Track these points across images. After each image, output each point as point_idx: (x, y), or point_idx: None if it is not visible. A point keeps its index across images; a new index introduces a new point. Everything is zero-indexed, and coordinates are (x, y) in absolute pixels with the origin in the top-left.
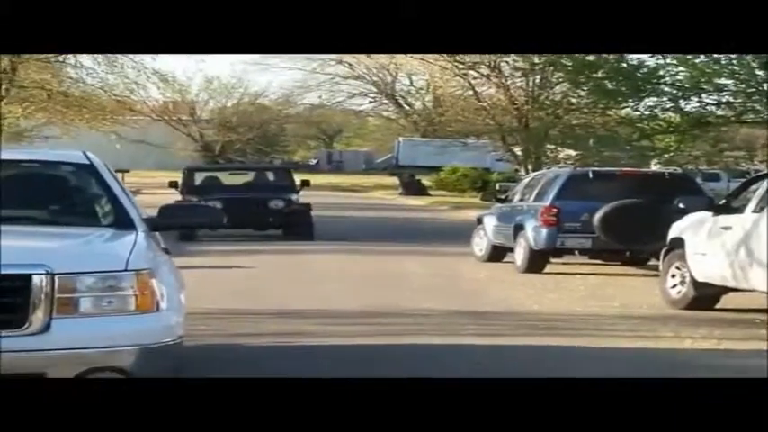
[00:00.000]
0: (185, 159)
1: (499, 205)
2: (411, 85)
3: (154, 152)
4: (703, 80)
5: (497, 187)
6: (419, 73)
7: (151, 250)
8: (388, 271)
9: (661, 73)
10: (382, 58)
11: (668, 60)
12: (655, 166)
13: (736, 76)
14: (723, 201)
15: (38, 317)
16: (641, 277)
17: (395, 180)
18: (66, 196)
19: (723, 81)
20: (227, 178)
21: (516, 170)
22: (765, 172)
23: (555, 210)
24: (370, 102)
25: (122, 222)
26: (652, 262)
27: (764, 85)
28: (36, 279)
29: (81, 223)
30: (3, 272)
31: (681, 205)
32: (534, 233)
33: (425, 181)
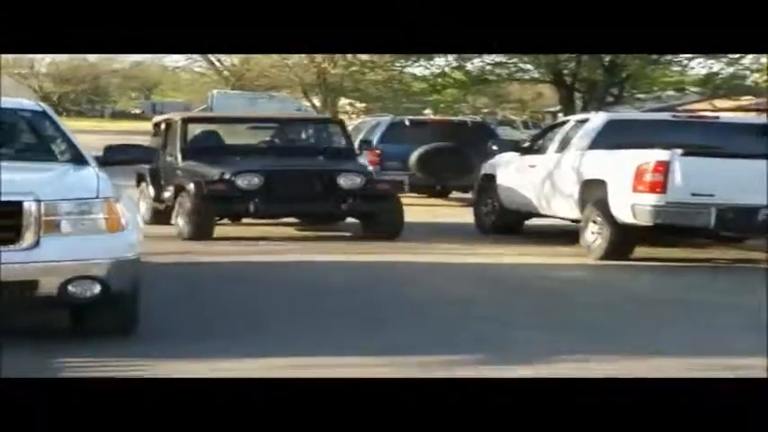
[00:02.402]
0: None
1: None
2: None
3: None
4: None
5: None
6: None
7: (112, 181)
8: None
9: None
10: None
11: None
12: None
13: None
14: (528, 143)
15: (29, 235)
16: (448, 207)
17: None
18: (28, 138)
19: None
20: (232, 135)
21: None
22: (563, 120)
23: (378, 151)
24: (187, 59)
25: (77, 159)
26: (453, 194)
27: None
28: (27, 205)
29: (45, 159)
30: (1, 199)
31: (494, 147)
32: None
33: None
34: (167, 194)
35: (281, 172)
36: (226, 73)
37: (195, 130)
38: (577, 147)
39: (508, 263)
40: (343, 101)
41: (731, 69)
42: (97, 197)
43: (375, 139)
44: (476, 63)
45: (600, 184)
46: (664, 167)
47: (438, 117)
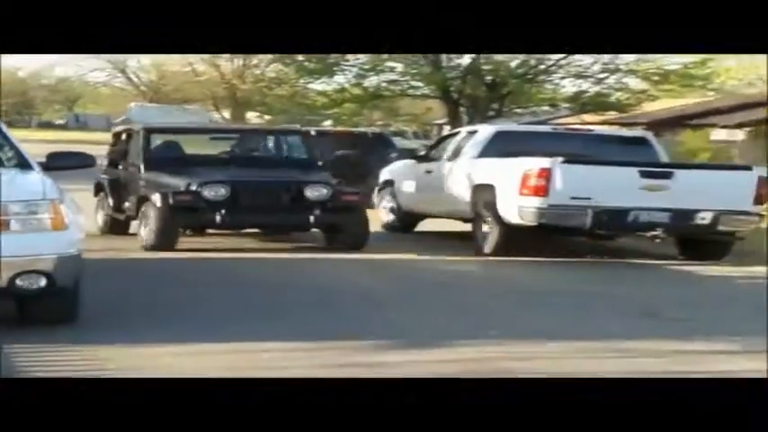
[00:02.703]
0: None
1: None
2: (139, 62)
3: None
4: (379, 63)
5: None
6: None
7: (56, 185)
8: None
9: (348, 57)
10: None
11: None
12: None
13: (404, 60)
14: (423, 152)
15: None
16: None
17: None
18: None
19: (393, 64)
20: (192, 145)
21: None
22: (455, 131)
23: None
24: (107, 75)
25: (23, 164)
26: None
27: (423, 67)
28: None
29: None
30: None
31: (394, 155)
32: None
33: None
34: (128, 204)
35: (248, 183)
36: (143, 88)
37: (157, 140)
38: (469, 155)
39: (408, 258)
40: (250, 114)
41: (597, 88)
42: (43, 199)
43: None
44: (372, 80)
45: (489, 188)
46: (546, 174)
47: (342, 128)
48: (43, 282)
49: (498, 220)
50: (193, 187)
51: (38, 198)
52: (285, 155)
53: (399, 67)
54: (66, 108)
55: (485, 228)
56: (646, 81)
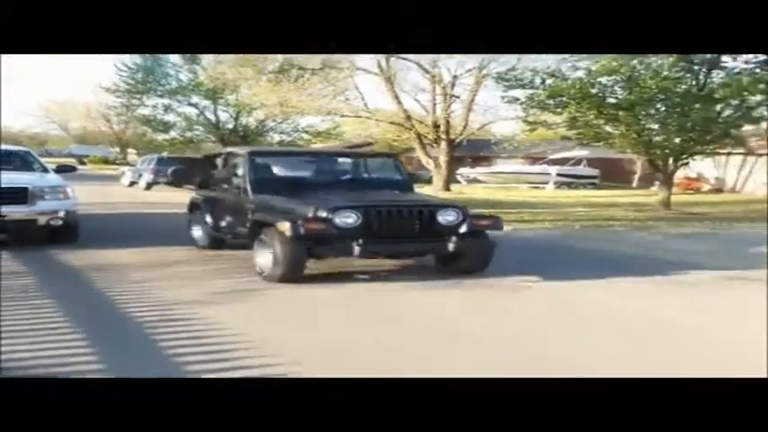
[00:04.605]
0: None
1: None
2: (72, 126)
3: None
4: (192, 127)
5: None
6: (73, 120)
7: (63, 179)
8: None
9: (189, 134)
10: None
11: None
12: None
13: (204, 124)
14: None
15: (32, 200)
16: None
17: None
18: (24, 162)
19: (198, 126)
20: (288, 168)
21: (119, 159)
22: None
23: (153, 168)
24: (60, 131)
25: (45, 170)
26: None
27: (212, 128)
28: (30, 188)
29: (31, 170)
30: (18, 186)
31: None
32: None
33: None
34: (228, 224)
35: (381, 208)
36: (75, 135)
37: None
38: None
39: None
40: (130, 150)
41: (290, 139)
42: (59, 185)
43: (153, 163)
44: (188, 134)
45: None
46: None
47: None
48: (61, 222)
49: None
50: (323, 214)
51: (57, 185)
52: (383, 178)
53: (201, 128)
54: (39, 146)
55: None
56: (309, 135)
